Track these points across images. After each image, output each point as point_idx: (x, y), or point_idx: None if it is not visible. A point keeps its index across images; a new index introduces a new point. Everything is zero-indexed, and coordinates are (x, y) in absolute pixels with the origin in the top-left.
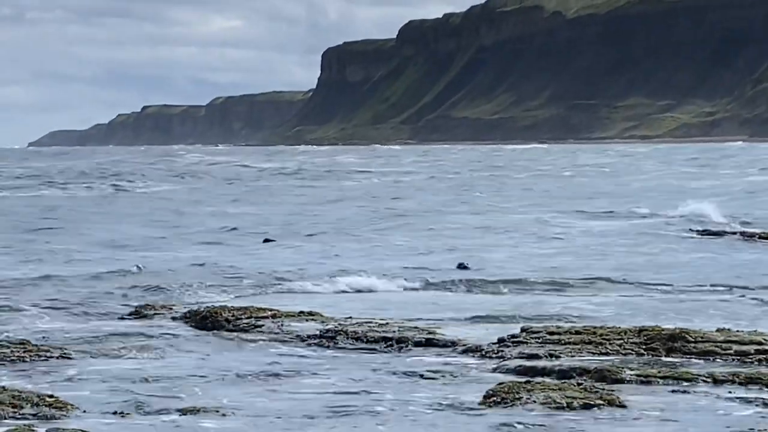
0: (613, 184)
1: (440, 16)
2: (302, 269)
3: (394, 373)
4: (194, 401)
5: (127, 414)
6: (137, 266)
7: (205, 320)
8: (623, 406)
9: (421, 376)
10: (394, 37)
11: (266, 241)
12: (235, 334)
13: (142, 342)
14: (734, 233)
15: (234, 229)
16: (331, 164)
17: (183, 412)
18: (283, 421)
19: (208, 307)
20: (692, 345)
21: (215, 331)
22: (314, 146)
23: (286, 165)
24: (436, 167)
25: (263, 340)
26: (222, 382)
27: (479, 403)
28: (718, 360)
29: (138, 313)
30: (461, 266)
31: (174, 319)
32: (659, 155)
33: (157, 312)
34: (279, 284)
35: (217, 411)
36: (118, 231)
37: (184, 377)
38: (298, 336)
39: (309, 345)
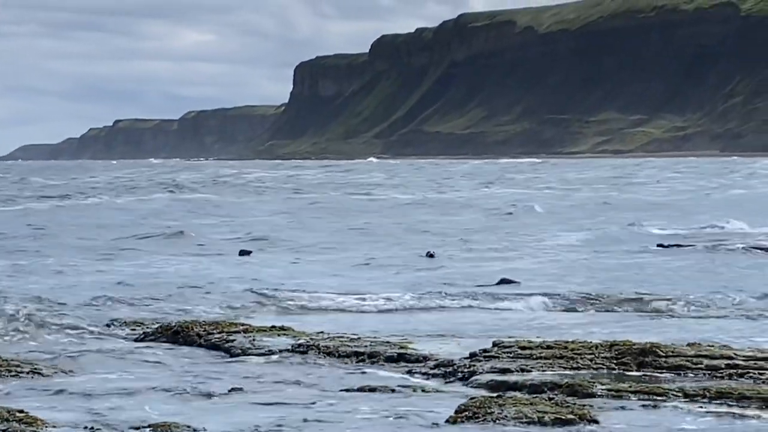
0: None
1: (412, 30)
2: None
3: (364, 389)
4: (165, 417)
5: (98, 429)
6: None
7: (177, 335)
8: (595, 421)
9: (393, 390)
10: (367, 51)
11: (242, 253)
12: (205, 350)
13: (111, 357)
14: None
15: None
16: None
17: (154, 428)
18: None
19: (179, 322)
20: (663, 359)
21: (186, 346)
22: (289, 160)
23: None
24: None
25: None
26: (192, 397)
27: (450, 418)
28: (689, 374)
29: (107, 327)
30: (429, 255)
31: (145, 334)
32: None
33: (129, 327)
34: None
35: (189, 427)
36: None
37: (155, 392)
38: (269, 351)
39: (280, 360)
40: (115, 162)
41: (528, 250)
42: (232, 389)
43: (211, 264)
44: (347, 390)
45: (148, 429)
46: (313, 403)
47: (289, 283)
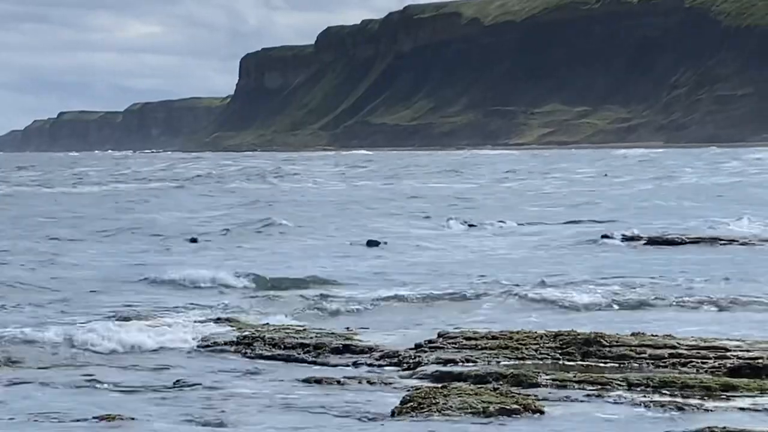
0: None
1: (358, 22)
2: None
3: (310, 381)
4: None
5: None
6: None
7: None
8: (539, 411)
9: (338, 382)
10: (313, 43)
11: (192, 240)
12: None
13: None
14: None
15: None
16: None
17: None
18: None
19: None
20: (607, 349)
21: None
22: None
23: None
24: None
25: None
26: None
27: (395, 409)
28: (633, 364)
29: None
30: (371, 243)
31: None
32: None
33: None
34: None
35: (133, 419)
36: None
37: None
38: (215, 343)
39: (224, 351)
40: (77, 154)
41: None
42: (176, 382)
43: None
44: (289, 381)
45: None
46: (255, 393)
47: None
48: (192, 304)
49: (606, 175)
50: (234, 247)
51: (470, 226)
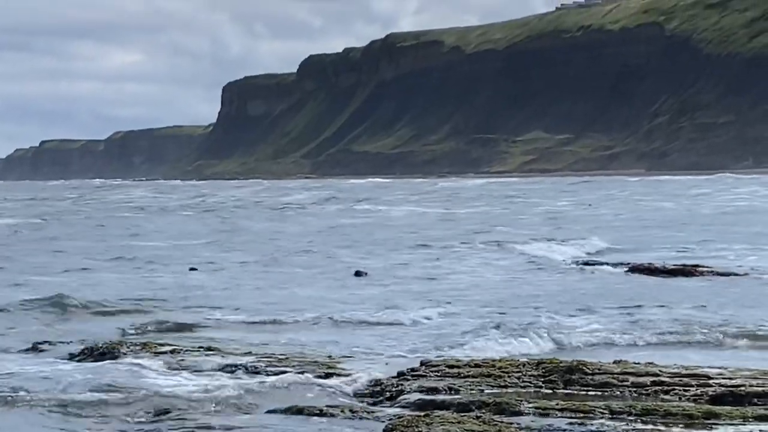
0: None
1: (341, 50)
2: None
3: (291, 410)
4: None
5: None
6: None
7: (104, 356)
8: None
9: (320, 411)
10: (295, 71)
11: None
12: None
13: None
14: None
15: None
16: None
17: None
18: None
19: (106, 342)
20: (589, 377)
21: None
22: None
23: None
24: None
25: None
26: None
27: None
28: (615, 392)
29: (36, 349)
30: (358, 273)
31: (71, 355)
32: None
33: (54, 347)
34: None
35: None
36: None
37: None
38: (197, 371)
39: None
40: (66, 182)
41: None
42: (160, 412)
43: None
44: (273, 411)
45: None
46: (240, 428)
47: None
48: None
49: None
50: None
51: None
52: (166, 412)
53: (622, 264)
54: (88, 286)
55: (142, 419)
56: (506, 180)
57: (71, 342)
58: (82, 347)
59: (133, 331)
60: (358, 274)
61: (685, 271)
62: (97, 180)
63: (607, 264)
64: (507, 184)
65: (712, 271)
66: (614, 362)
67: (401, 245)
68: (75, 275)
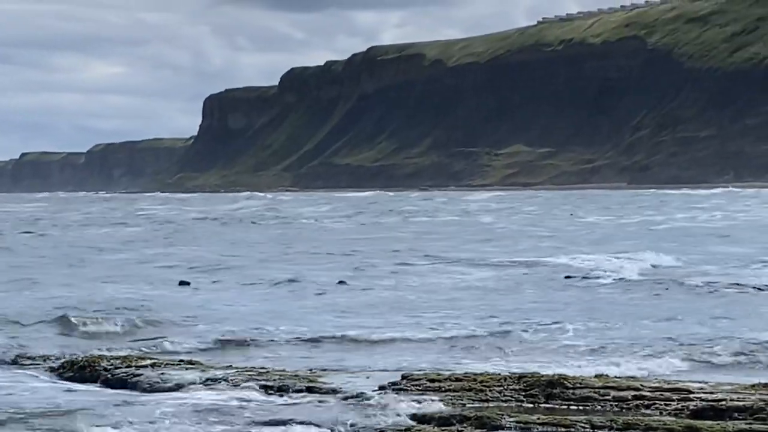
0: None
1: (322, 63)
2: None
3: (272, 424)
4: None
5: None
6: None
7: (83, 370)
8: None
9: (302, 424)
10: (276, 84)
11: (182, 284)
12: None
13: None
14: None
15: None
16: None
17: None
18: None
19: (86, 356)
20: (571, 391)
21: (91, 383)
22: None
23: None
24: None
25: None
26: None
27: None
28: (596, 406)
29: (15, 362)
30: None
31: (52, 369)
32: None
33: (34, 362)
34: None
35: None
36: None
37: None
38: (177, 385)
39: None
40: (48, 194)
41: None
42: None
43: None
44: (254, 423)
45: None
46: None
47: None
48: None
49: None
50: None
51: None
52: None
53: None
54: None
55: None
56: (513, 193)
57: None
58: (62, 361)
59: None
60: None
61: None
62: (82, 192)
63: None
64: (514, 198)
65: None
66: (595, 376)
67: None
68: None
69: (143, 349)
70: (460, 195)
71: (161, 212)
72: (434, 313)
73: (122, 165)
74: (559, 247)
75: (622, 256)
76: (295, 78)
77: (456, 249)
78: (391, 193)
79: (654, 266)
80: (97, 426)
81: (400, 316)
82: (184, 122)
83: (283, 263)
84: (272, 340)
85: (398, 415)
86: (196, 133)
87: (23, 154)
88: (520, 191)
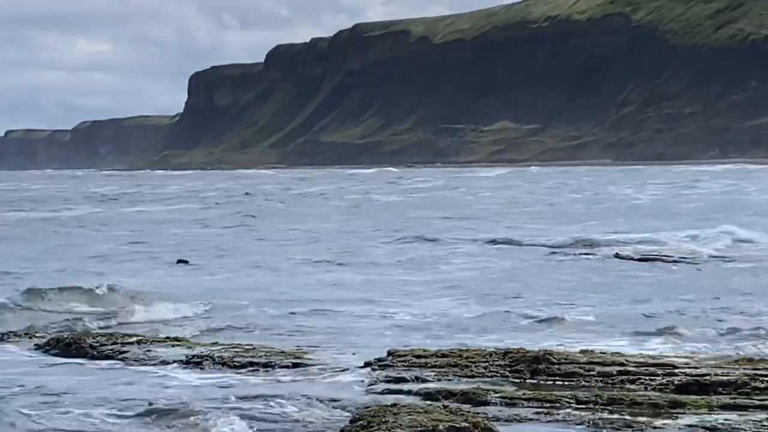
0: None
1: (308, 40)
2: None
3: (256, 397)
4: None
5: None
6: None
7: (69, 347)
8: (489, 429)
9: (287, 400)
10: (262, 61)
11: (180, 262)
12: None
13: None
14: None
15: None
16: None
17: None
18: None
19: (72, 333)
20: (556, 367)
21: (78, 359)
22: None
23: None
24: None
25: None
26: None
27: (345, 428)
28: (581, 381)
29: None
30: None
31: (37, 346)
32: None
33: (20, 339)
34: None
35: None
36: None
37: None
38: (162, 362)
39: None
40: (47, 173)
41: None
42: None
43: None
44: (242, 398)
45: None
46: (207, 412)
47: None
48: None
49: None
50: None
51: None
52: None
53: None
54: None
55: None
56: (524, 169)
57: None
58: (48, 338)
59: None
60: None
61: None
62: (82, 171)
63: None
64: (532, 175)
65: None
66: (581, 352)
67: None
68: None
69: None
70: (466, 172)
71: (270, 188)
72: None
73: (108, 143)
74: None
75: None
76: (281, 55)
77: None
78: (395, 169)
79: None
80: None
81: None
82: (170, 100)
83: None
84: None
85: (384, 390)
86: (181, 111)
87: (8, 132)
88: (523, 168)
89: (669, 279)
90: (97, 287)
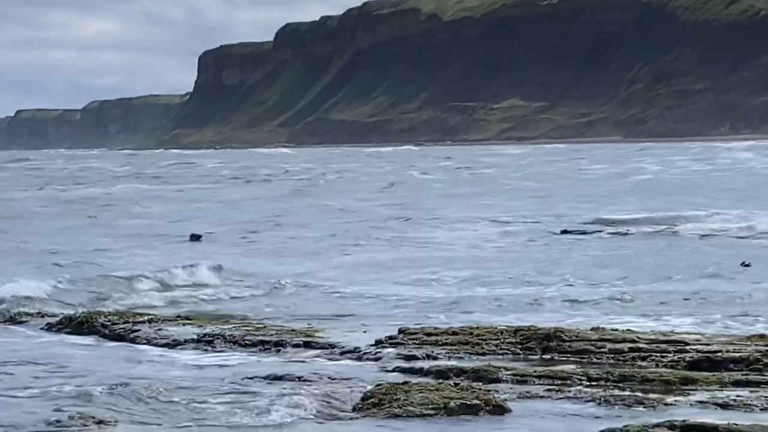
0: None
1: (317, 18)
2: None
3: (269, 377)
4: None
5: None
6: None
7: (81, 326)
8: (500, 406)
9: (299, 378)
10: (272, 39)
11: (193, 237)
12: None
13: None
14: None
15: None
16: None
17: None
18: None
19: (83, 312)
20: (567, 344)
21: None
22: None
23: None
24: None
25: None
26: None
27: (356, 405)
28: (593, 359)
29: (13, 320)
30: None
31: (49, 326)
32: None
33: (33, 318)
34: None
35: (92, 417)
36: None
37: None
38: (174, 341)
39: (184, 350)
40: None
41: None
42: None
43: None
44: (251, 378)
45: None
46: (218, 394)
47: None
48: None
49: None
50: None
51: None
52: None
53: None
54: None
55: None
56: (546, 146)
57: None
58: (60, 317)
59: None
60: None
61: None
62: (97, 150)
63: None
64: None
65: None
66: (592, 329)
67: None
68: None
69: None
70: (480, 150)
71: (308, 166)
72: None
73: (118, 122)
74: None
75: None
76: (291, 33)
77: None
78: (416, 148)
79: None
80: None
81: None
82: (180, 78)
83: None
84: None
85: (395, 368)
86: (191, 90)
87: (18, 111)
88: (539, 145)
89: None
90: None
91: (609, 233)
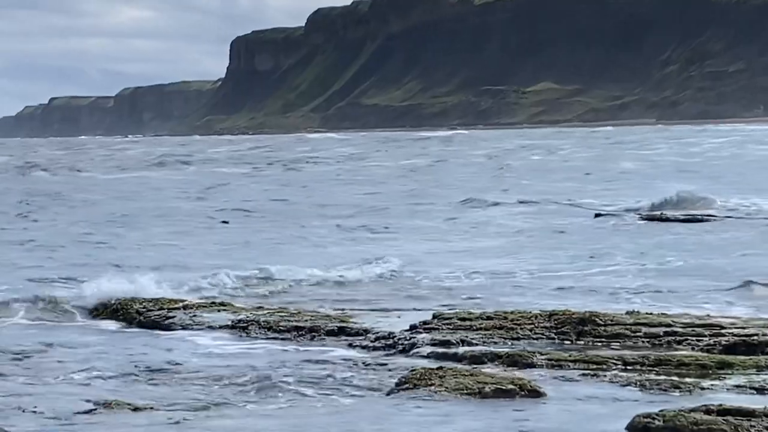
0: None
1: (349, 3)
2: None
3: (307, 362)
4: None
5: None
6: None
7: (116, 313)
8: (535, 391)
9: (334, 364)
10: (303, 25)
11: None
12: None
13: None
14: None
15: None
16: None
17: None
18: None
19: (118, 299)
20: (602, 328)
21: (124, 324)
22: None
23: None
24: None
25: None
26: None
27: (391, 390)
28: (628, 343)
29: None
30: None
31: (89, 311)
32: None
33: (66, 305)
34: None
35: (128, 404)
36: None
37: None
38: (209, 327)
39: (219, 336)
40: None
41: None
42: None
43: None
44: (287, 363)
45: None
46: (254, 382)
47: None
48: None
49: None
50: None
51: None
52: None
53: None
54: None
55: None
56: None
57: None
58: (97, 303)
59: None
60: None
61: None
62: (131, 136)
63: None
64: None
65: None
66: (627, 313)
67: None
68: None
69: None
70: (515, 133)
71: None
72: None
73: (151, 108)
74: None
75: None
76: (322, 19)
77: None
78: (466, 131)
79: None
80: None
81: None
82: (212, 65)
83: None
84: None
85: (429, 353)
86: (223, 76)
87: (52, 99)
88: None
89: None
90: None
91: None
